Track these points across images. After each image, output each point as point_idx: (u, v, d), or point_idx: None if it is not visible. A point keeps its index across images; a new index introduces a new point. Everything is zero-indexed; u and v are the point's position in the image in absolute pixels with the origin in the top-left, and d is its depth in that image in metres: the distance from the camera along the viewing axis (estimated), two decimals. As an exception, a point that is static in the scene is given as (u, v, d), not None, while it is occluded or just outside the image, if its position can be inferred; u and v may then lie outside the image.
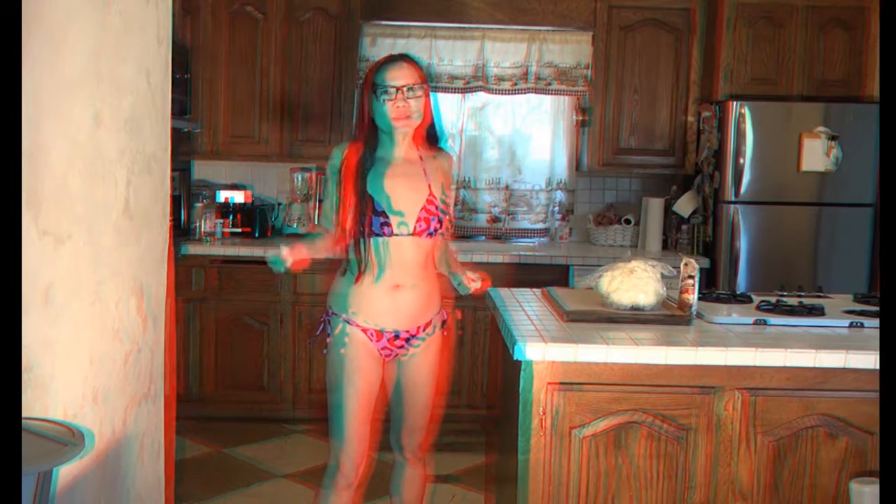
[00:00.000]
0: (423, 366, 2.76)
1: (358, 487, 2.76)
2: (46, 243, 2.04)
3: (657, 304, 2.69)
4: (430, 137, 2.77)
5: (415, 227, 2.65)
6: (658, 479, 2.39)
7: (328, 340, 2.71)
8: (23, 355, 1.98)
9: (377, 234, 2.64)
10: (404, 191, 2.67)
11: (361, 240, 2.64)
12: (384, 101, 2.63)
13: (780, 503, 2.41)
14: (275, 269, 2.62)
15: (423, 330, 2.73)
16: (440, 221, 2.69)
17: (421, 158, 2.73)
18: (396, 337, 2.70)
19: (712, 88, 4.70)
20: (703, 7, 4.80)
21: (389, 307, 2.67)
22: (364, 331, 2.68)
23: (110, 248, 2.25)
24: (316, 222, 2.75)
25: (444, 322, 2.82)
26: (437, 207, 2.69)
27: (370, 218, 2.63)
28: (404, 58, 2.72)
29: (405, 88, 2.62)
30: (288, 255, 2.58)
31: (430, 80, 2.77)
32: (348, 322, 2.68)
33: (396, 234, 2.64)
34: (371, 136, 2.70)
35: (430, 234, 2.68)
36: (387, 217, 2.64)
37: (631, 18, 4.84)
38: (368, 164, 2.67)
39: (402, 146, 2.71)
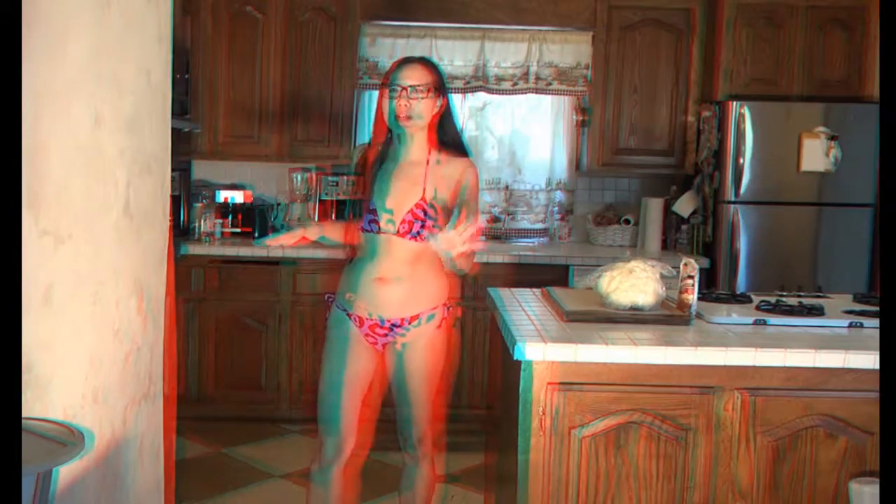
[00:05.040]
0: (415, 359, 2.80)
1: (349, 467, 2.85)
2: (46, 243, 2.04)
3: (657, 305, 2.69)
4: (449, 143, 2.78)
5: (399, 228, 2.73)
6: (658, 479, 2.39)
7: (327, 323, 2.90)
8: (23, 355, 1.98)
9: (366, 230, 2.77)
10: (400, 191, 2.75)
11: (359, 233, 2.79)
12: (392, 98, 2.71)
13: (779, 503, 2.41)
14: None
15: (409, 322, 2.76)
16: (423, 226, 2.72)
17: (428, 162, 2.76)
18: (380, 325, 2.77)
19: (712, 88, 4.70)
20: (703, 7, 4.80)
21: (373, 297, 2.77)
22: (349, 315, 2.81)
23: (110, 248, 2.25)
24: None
25: (431, 316, 2.81)
26: (424, 211, 2.72)
27: (364, 213, 2.77)
28: (421, 60, 2.80)
29: (409, 88, 2.69)
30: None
31: (444, 88, 2.78)
32: (339, 308, 2.84)
33: (383, 232, 2.74)
34: (385, 135, 2.80)
35: (414, 238, 2.73)
36: (376, 214, 2.74)
37: (631, 18, 4.84)
38: (378, 163, 2.80)
39: (410, 148, 2.78)
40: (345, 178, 4.84)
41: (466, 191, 2.78)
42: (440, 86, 2.75)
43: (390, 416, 2.92)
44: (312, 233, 2.96)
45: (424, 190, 2.74)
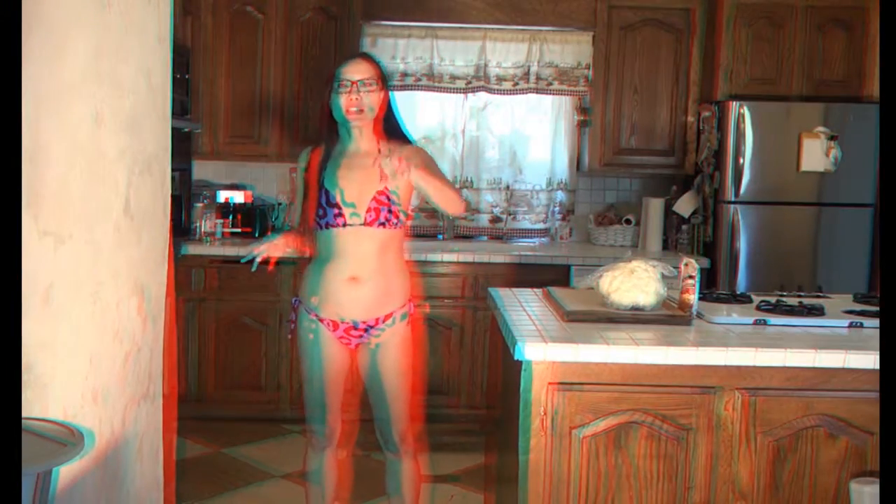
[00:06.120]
0: (388, 357, 2.85)
1: (341, 455, 3.01)
2: (46, 243, 2.04)
3: (657, 305, 2.69)
4: (393, 133, 2.87)
5: (366, 218, 2.76)
6: (658, 479, 2.39)
7: (291, 327, 2.94)
8: (23, 355, 1.98)
9: (332, 226, 2.77)
10: (357, 183, 2.78)
11: (319, 232, 2.79)
12: (340, 93, 2.77)
13: (779, 503, 2.41)
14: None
15: (383, 322, 2.81)
16: (391, 211, 2.77)
17: (379, 152, 2.80)
18: (355, 327, 2.81)
19: (712, 88, 4.70)
20: (703, 7, 4.80)
21: (345, 299, 2.79)
22: (321, 321, 2.83)
23: (110, 248, 2.25)
24: (295, 224, 2.95)
25: (404, 314, 2.85)
26: (387, 197, 2.77)
27: (325, 210, 2.77)
28: (363, 55, 2.89)
29: (358, 83, 2.76)
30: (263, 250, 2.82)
31: (388, 80, 2.89)
32: (307, 312, 2.85)
33: (349, 225, 2.76)
34: (331, 131, 2.85)
35: (383, 225, 2.77)
36: (340, 209, 2.77)
37: (631, 18, 4.84)
38: (326, 159, 2.83)
39: (361, 141, 2.84)
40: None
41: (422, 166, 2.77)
42: (384, 79, 2.85)
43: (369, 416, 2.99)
44: (283, 245, 2.88)
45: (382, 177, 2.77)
